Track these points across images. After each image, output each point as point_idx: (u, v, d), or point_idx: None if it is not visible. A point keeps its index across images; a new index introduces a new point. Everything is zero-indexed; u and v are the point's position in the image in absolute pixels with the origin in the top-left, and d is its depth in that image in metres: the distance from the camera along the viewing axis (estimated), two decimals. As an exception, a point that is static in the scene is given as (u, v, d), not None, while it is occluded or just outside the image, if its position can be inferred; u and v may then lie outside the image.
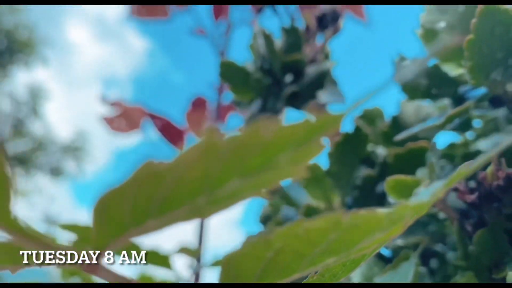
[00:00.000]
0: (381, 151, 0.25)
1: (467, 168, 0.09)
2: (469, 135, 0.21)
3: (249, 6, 0.67)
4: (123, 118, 0.58)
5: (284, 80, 0.24)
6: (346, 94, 0.25)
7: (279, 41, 0.26)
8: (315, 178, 0.21)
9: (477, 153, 0.20)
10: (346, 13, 0.66)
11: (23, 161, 5.53)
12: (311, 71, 0.23)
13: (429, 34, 0.17)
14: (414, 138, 0.18)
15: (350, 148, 0.21)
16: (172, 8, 0.71)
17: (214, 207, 0.08)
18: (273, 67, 0.23)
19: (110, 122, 0.58)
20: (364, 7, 0.65)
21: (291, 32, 0.24)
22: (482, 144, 0.20)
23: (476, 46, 0.15)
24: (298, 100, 0.24)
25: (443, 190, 0.08)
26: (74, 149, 5.57)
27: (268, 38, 0.22)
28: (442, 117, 0.16)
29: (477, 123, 0.20)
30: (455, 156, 0.19)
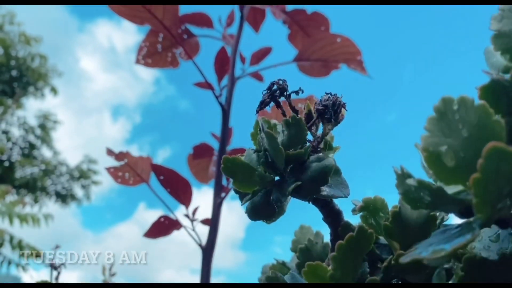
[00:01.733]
0: (384, 241, 0.25)
1: None
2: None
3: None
4: (129, 169, 0.58)
5: (287, 173, 0.24)
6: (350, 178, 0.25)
7: (280, 128, 0.26)
8: (320, 280, 0.21)
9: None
10: (348, 66, 0.67)
11: (32, 186, 5.57)
12: (315, 166, 0.23)
13: (432, 157, 0.17)
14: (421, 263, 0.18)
15: (354, 251, 0.21)
16: (175, 58, 0.72)
17: None
18: (277, 162, 0.23)
19: (115, 173, 0.58)
20: (364, 61, 0.66)
21: (293, 125, 0.24)
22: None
23: (482, 185, 0.14)
24: (302, 192, 0.23)
25: None
26: (82, 175, 5.60)
27: (271, 137, 0.22)
28: (449, 245, 0.16)
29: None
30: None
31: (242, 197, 0.24)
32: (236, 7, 0.73)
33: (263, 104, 0.24)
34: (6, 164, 5.51)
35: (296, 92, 0.25)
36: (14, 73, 5.12)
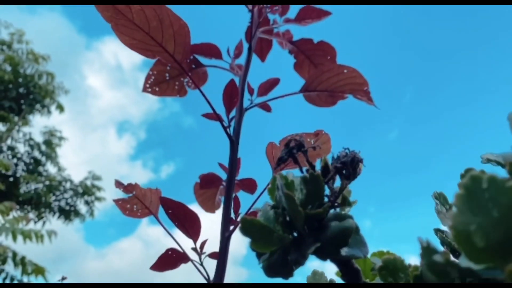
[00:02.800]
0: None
1: None
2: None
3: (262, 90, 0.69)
4: (137, 202, 0.58)
5: (306, 233, 0.23)
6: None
7: (298, 183, 0.25)
8: None
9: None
10: (355, 97, 0.67)
11: (36, 202, 5.57)
12: (334, 226, 0.22)
13: (462, 235, 0.16)
14: None
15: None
16: (181, 87, 0.73)
17: None
18: (295, 222, 0.23)
19: (123, 205, 0.58)
20: (370, 92, 0.66)
21: (311, 182, 0.23)
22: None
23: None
24: (321, 253, 0.23)
25: None
26: (86, 191, 5.60)
27: (290, 198, 0.21)
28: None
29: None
30: None
31: (259, 255, 0.24)
32: (243, 38, 0.73)
33: (281, 162, 0.24)
34: (11, 179, 5.53)
35: (314, 148, 0.24)
36: (21, 90, 5.19)
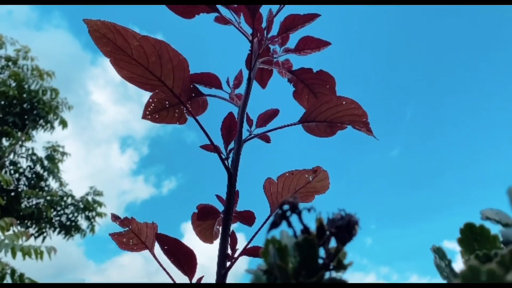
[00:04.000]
0: None
1: None
2: None
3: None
4: (133, 236, 0.57)
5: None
6: None
7: (291, 244, 0.24)
8: None
9: None
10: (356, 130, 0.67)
11: (37, 217, 5.55)
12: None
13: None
14: None
15: None
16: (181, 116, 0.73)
17: None
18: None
19: (119, 239, 0.57)
20: (370, 123, 0.66)
21: (305, 247, 0.23)
22: None
23: None
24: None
25: None
26: (87, 206, 5.58)
27: (282, 270, 0.21)
28: None
29: None
30: None
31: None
32: (244, 65, 0.74)
33: (274, 227, 0.23)
34: (13, 194, 5.52)
35: (309, 210, 0.24)
36: (25, 105, 5.24)
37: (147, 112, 0.74)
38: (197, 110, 0.75)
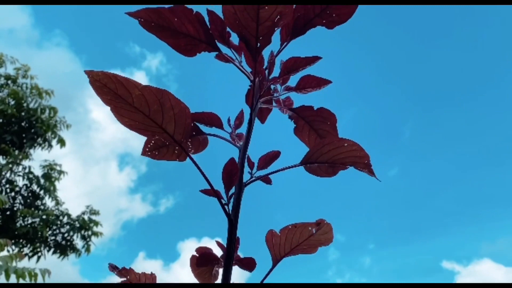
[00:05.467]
0: None
1: None
2: None
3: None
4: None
5: None
6: None
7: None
8: None
9: None
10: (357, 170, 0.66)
11: (32, 237, 5.47)
12: None
13: None
14: None
15: None
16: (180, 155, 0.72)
17: None
18: None
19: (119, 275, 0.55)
20: (372, 164, 0.66)
21: None
22: None
23: None
24: None
25: None
26: (83, 226, 5.51)
27: None
28: None
29: None
30: None
31: None
32: (244, 104, 0.74)
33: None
34: (8, 213, 5.45)
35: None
36: (23, 124, 5.23)
37: (147, 149, 0.73)
38: (198, 147, 0.74)
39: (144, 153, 0.73)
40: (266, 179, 0.64)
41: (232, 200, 0.59)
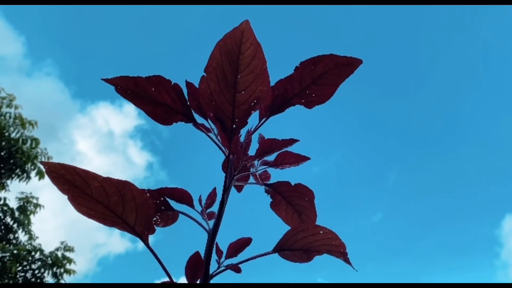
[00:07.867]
0: None
1: None
2: None
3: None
4: None
5: None
6: None
7: None
8: None
9: None
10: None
11: (1, 272, 5.16)
12: None
13: None
14: None
15: None
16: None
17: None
18: None
19: None
20: (348, 253, 0.63)
21: None
22: None
23: None
24: None
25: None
26: (55, 262, 5.23)
27: None
28: None
29: None
30: None
31: None
32: (220, 186, 0.71)
33: None
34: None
35: None
36: (3, 153, 5.08)
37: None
38: (167, 221, 0.70)
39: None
40: (235, 268, 0.60)
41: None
